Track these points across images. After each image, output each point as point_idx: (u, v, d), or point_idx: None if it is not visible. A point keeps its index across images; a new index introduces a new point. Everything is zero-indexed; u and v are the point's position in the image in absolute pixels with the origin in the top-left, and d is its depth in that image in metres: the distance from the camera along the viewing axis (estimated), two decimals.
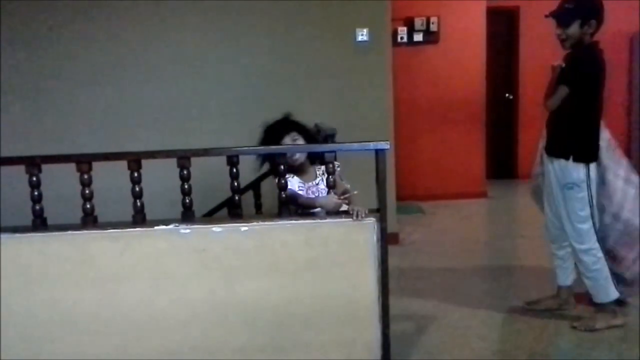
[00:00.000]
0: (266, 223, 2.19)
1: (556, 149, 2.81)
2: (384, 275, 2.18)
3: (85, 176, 2.12)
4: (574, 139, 2.75)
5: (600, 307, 2.87)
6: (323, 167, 2.50)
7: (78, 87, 4.26)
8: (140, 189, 2.16)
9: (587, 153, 2.75)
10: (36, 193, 2.14)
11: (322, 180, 2.55)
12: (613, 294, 2.83)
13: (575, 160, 2.73)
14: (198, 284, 2.16)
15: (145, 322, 2.18)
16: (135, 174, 2.14)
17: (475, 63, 5.99)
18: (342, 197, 2.31)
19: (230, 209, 2.28)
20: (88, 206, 2.14)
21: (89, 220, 2.15)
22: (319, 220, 2.21)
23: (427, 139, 6.16)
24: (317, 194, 2.54)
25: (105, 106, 4.29)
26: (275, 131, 2.58)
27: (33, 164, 2.13)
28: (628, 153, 7.34)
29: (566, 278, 3.06)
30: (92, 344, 2.18)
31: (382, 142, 2.15)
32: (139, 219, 2.17)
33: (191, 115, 4.32)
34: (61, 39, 4.22)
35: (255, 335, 2.21)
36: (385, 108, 4.35)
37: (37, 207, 2.15)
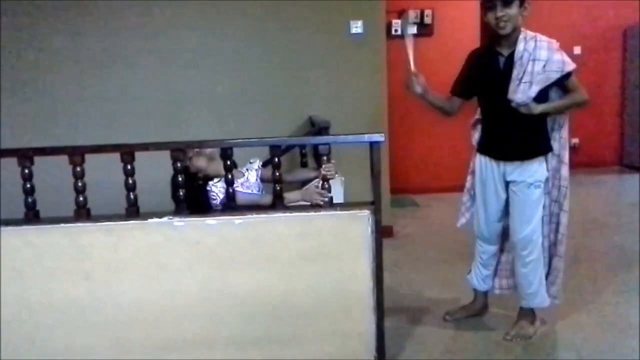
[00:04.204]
0: (261, 216, 2.18)
1: (529, 151, 2.62)
2: (378, 268, 2.18)
3: (78, 168, 2.11)
4: (545, 135, 2.63)
5: (525, 313, 2.78)
6: (248, 165, 2.65)
7: (73, 81, 4.23)
8: (134, 182, 2.15)
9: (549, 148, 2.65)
10: (28, 185, 2.13)
11: (254, 173, 2.64)
12: (546, 300, 2.74)
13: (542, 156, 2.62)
14: (192, 276, 2.16)
15: (139, 315, 2.17)
16: (129, 167, 2.13)
17: None
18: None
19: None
20: (81, 199, 2.13)
21: (82, 213, 2.14)
22: (313, 213, 2.20)
23: (422, 131, 6.16)
24: (251, 189, 2.59)
25: (100, 98, 4.26)
26: None
27: (25, 156, 2.11)
28: (621, 149, 7.36)
29: (485, 282, 2.94)
30: (85, 336, 2.17)
31: (376, 135, 2.15)
32: (133, 211, 2.16)
33: (185, 108, 4.30)
34: (57, 33, 4.18)
35: (250, 328, 2.21)
36: (379, 101, 4.35)
37: (30, 200, 2.14)
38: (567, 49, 2.65)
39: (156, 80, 4.28)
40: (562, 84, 2.51)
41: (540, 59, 2.46)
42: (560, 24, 6.94)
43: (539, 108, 2.48)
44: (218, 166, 2.36)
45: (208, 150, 2.47)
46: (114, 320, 2.17)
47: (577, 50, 7.11)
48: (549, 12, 6.84)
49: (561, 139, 2.62)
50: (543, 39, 2.51)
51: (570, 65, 2.49)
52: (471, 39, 5.77)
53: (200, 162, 2.46)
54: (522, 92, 2.47)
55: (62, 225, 2.13)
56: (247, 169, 2.64)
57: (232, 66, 4.29)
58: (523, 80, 2.47)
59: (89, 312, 2.16)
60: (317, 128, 3.66)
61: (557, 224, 2.69)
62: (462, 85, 2.77)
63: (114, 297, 2.16)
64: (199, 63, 4.28)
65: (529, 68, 2.47)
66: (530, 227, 2.63)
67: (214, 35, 4.28)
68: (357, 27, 4.24)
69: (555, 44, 2.51)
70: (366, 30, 4.24)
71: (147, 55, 4.25)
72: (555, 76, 2.47)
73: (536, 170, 2.61)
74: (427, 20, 5.97)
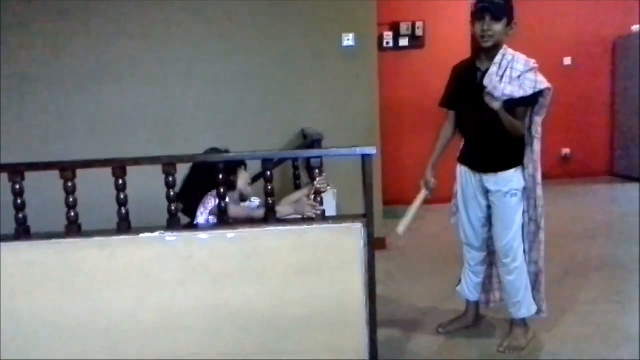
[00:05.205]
0: (253, 229, 2.18)
1: (503, 164, 2.67)
2: (371, 280, 2.17)
3: (69, 184, 2.10)
4: (520, 148, 2.66)
5: (517, 324, 2.78)
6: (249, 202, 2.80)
7: (66, 93, 4.23)
8: (125, 197, 2.14)
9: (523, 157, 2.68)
10: (19, 201, 2.11)
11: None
12: (533, 307, 2.76)
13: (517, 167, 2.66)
14: (184, 291, 2.15)
15: (131, 330, 2.16)
16: (120, 181, 2.12)
17: None
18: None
19: (217, 216, 2.27)
20: (72, 214, 2.12)
21: (73, 229, 2.13)
22: (306, 226, 2.20)
23: (414, 143, 6.16)
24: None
25: (93, 112, 4.26)
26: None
27: (16, 172, 2.10)
28: (612, 159, 7.41)
29: (476, 291, 2.96)
30: (78, 352, 2.15)
31: (368, 148, 2.15)
32: (124, 226, 2.15)
33: (178, 121, 4.31)
34: (50, 45, 4.19)
35: (243, 342, 2.20)
36: (371, 113, 4.36)
37: (21, 216, 2.12)
38: (557, 60, 2.68)
39: (149, 94, 4.28)
40: (515, 105, 2.55)
41: (516, 69, 2.54)
42: (550, 35, 7.01)
43: (501, 110, 2.51)
44: (244, 177, 2.69)
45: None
46: (106, 336, 2.15)
47: (567, 61, 7.18)
48: (540, 23, 6.90)
49: (535, 162, 2.66)
50: (521, 57, 2.58)
51: (544, 84, 2.54)
52: (462, 51, 5.79)
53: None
54: (500, 89, 2.50)
55: (54, 240, 2.12)
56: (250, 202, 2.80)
57: (225, 79, 4.31)
58: (504, 81, 2.53)
59: (81, 327, 2.14)
60: (310, 140, 3.67)
61: (534, 241, 2.73)
62: (448, 98, 2.86)
63: (106, 313, 2.14)
64: (192, 77, 4.30)
65: (507, 72, 2.54)
66: (510, 234, 2.68)
67: (207, 48, 4.29)
68: (348, 39, 4.27)
69: (532, 63, 2.56)
70: (358, 43, 4.27)
71: (139, 68, 4.26)
72: (529, 91, 2.52)
73: (511, 179, 2.66)
74: (419, 32, 6.01)
